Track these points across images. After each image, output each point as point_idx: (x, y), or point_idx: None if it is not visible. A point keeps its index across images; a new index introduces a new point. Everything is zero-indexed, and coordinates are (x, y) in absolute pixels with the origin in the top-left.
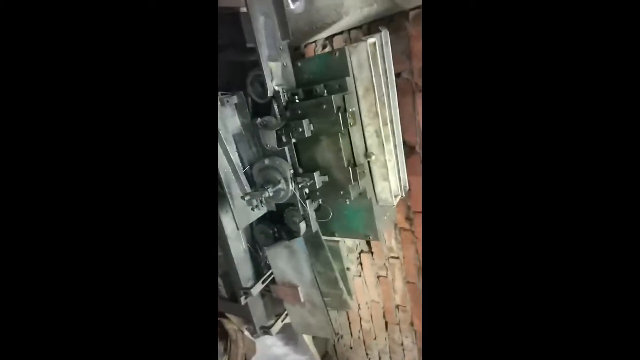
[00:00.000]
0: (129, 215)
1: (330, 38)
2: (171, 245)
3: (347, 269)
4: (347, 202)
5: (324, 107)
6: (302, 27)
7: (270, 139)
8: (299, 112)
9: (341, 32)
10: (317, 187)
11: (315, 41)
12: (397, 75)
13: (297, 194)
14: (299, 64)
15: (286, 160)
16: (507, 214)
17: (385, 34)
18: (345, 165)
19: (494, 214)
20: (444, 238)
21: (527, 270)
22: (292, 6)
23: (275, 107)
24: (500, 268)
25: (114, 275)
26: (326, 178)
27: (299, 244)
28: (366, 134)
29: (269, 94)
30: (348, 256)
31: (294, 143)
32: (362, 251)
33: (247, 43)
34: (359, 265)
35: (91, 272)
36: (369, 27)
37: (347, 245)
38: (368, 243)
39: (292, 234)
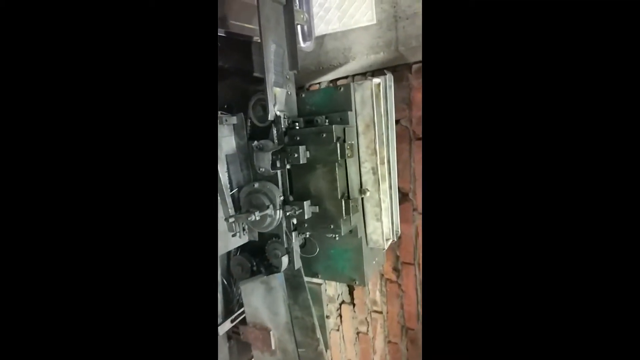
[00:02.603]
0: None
1: (334, 81)
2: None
3: (327, 317)
4: (336, 239)
5: (324, 135)
6: (309, 66)
7: (264, 162)
8: (298, 138)
9: (345, 77)
10: (306, 217)
11: (319, 83)
12: (397, 122)
13: (284, 224)
14: (303, 95)
15: (277, 185)
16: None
17: (389, 77)
18: (339, 197)
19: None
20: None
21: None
22: (302, 44)
23: (274, 131)
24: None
25: (112, 290)
26: (316, 209)
27: (278, 280)
28: (362, 169)
29: (270, 117)
30: (327, 305)
31: (287, 169)
32: (343, 302)
33: (254, 72)
34: (338, 318)
35: (90, 285)
36: (372, 74)
37: (329, 294)
38: (350, 293)
39: (272, 269)
